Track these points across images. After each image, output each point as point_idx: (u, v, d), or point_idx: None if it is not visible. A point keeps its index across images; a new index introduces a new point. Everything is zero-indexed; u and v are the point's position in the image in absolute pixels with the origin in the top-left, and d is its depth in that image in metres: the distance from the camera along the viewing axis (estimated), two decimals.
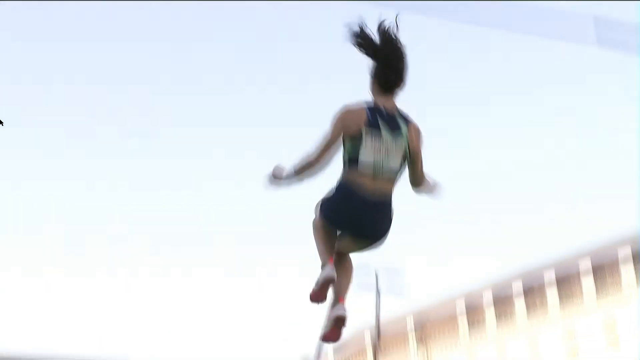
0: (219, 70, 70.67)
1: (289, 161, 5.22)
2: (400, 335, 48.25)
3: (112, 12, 72.89)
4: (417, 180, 5.32)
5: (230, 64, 71.51)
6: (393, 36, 5.15)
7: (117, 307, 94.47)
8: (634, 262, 39.19)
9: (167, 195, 77.38)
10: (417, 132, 5.20)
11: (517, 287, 44.68)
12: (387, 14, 5.14)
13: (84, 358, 60.72)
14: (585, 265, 41.33)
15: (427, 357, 49.65)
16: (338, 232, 5.25)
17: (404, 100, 5.24)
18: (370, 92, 5.20)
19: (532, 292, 43.90)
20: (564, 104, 69.87)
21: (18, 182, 73.79)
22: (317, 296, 5.11)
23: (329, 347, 57.42)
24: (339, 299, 5.20)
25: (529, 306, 44.04)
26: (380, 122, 5.05)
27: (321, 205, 5.22)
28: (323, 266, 5.12)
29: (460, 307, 47.12)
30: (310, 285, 5.14)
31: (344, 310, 5.16)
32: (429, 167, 5.30)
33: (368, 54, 5.17)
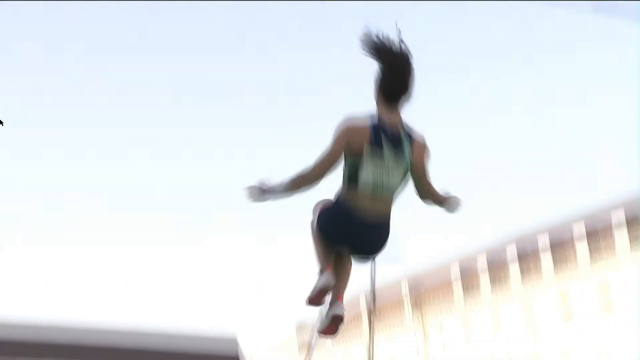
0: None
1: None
2: (395, 301, 48.49)
3: None
4: (425, 194, 5.27)
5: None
6: (404, 47, 5.05)
7: (123, 274, 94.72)
8: (627, 226, 39.27)
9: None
10: (422, 147, 5.12)
11: (512, 252, 44.81)
12: (391, 26, 5.03)
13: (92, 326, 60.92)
14: (579, 229, 41.42)
15: (422, 322, 49.90)
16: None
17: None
18: (375, 102, 5.08)
19: (526, 257, 44.04)
20: (559, 71, 69.75)
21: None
22: (314, 301, 5.17)
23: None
24: (337, 297, 5.27)
25: (523, 271, 44.19)
26: (384, 141, 4.96)
27: (319, 216, 5.17)
28: (321, 272, 5.16)
29: (455, 272, 47.29)
30: (308, 285, 5.15)
31: (342, 310, 5.23)
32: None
33: (380, 60, 5.05)
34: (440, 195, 5.35)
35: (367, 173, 4.93)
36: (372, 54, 5.05)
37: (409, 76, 5.02)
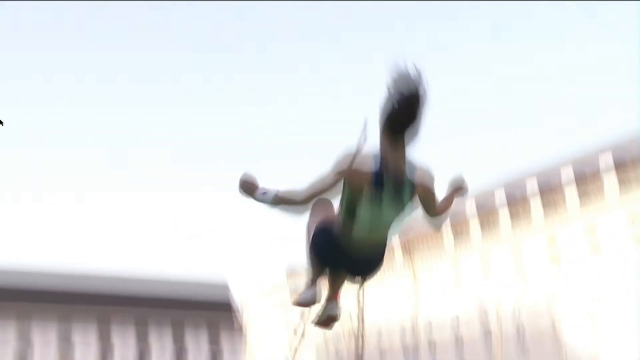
0: None
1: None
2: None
3: None
4: (434, 216, 5.21)
5: None
6: (423, 82, 4.87)
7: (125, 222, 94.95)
8: (616, 170, 39.31)
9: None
10: (426, 183, 5.03)
11: (501, 197, 44.96)
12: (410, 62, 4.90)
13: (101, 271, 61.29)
14: (568, 174, 41.50)
15: (412, 268, 50.23)
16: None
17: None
18: (380, 134, 4.94)
19: (515, 202, 44.18)
20: (546, 17, 69.36)
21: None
22: (300, 305, 5.26)
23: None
24: (334, 295, 5.36)
25: (512, 216, 44.36)
26: (385, 187, 4.90)
27: (314, 237, 5.12)
28: (310, 282, 5.22)
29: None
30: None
31: (337, 310, 5.36)
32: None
33: (399, 90, 4.87)
34: (448, 201, 5.28)
35: (365, 212, 4.90)
36: (394, 83, 4.86)
37: (421, 111, 4.88)
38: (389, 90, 4.87)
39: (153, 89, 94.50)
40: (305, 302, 5.18)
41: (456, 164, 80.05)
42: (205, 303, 64.43)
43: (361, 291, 27.46)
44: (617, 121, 79.01)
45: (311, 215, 5.26)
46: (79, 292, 60.72)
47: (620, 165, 39.02)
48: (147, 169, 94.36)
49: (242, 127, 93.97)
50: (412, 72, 4.87)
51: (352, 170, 4.89)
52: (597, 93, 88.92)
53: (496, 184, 45.54)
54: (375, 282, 47.35)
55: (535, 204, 42.98)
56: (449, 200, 5.29)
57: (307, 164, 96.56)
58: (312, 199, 4.98)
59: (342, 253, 5.03)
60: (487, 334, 44.66)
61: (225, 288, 67.32)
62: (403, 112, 4.85)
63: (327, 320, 5.36)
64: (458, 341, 46.17)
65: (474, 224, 46.00)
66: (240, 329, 65.13)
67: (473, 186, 45.51)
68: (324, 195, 4.96)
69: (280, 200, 5.00)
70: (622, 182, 39.04)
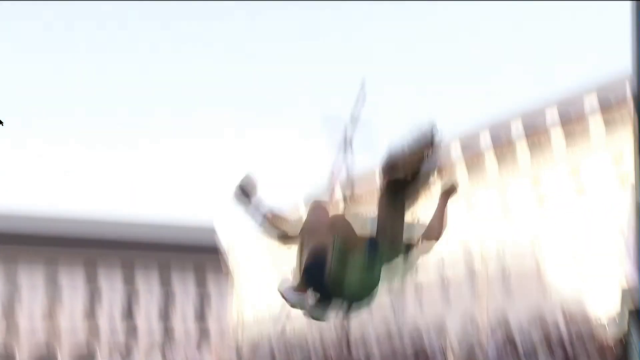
0: None
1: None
2: (371, 191, 48.49)
3: None
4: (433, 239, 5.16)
5: None
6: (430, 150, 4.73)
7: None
8: (601, 111, 39.31)
9: None
10: (422, 248, 4.93)
11: (486, 138, 44.93)
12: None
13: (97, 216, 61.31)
14: (553, 115, 41.47)
15: None
16: None
17: None
18: (379, 196, 4.79)
19: (501, 143, 44.18)
20: None
21: None
22: (284, 300, 5.10)
23: (300, 201, 58.07)
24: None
25: (498, 157, 44.38)
26: (379, 253, 4.79)
27: (307, 269, 4.88)
28: (299, 288, 4.97)
29: None
30: None
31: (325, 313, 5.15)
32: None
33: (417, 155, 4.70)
34: (440, 217, 5.13)
35: (356, 273, 4.77)
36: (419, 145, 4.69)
37: (425, 174, 4.73)
38: (391, 148, 4.66)
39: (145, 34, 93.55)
40: (291, 303, 5.00)
41: (442, 108, 79.91)
42: (193, 246, 64.64)
43: None
44: (602, 61, 78.75)
45: (307, 223, 5.00)
46: (66, 236, 60.78)
47: (606, 106, 39.00)
48: (135, 111, 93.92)
49: (236, 72, 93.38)
50: (424, 134, 4.65)
51: (345, 235, 4.74)
52: (582, 33, 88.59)
53: (481, 126, 45.45)
54: None
55: (521, 145, 43.01)
56: (441, 212, 5.15)
57: (298, 113, 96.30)
58: (299, 235, 4.84)
59: (332, 292, 4.85)
60: (472, 274, 44.99)
61: (212, 231, 67.50)
62: (407, 172, 4.64)
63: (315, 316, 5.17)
64: (444, 282, 46.50)
65: (460, 166, 46.01)
66: (228, 272, 65.47)
67: (458, 128, 45.53)
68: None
69: (270, 221, 4.93)
70: (608, 122, 39.06)
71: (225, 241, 67.10)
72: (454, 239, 45.77)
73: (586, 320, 13.94)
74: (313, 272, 4.84)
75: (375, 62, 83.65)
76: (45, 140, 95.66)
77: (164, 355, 59.96)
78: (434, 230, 5.12)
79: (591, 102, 39.76)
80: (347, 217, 4.88)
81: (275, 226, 4.99)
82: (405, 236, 4.83)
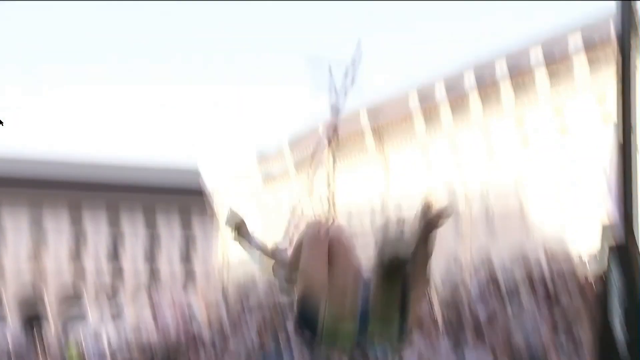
0: None
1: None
2: (355, 132, 48.50)
3: None
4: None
5: None
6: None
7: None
8: (585, 50, 39.23)
9: None
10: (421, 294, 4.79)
11: (470, 79, 44.83)
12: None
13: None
14: (537, 55, 41.36)
15: (383, 152, 50.40)
16: None
17: None
18: (373, 273, 4.62)
19: (485, 84, 44.08)
20: None
21: None
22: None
23: (284, 144, 57.91)
24: None
25: (482, 98, 44.32)
26: (369, 330, 4.63)
27: (301, 301, 4.74)
28: (286, 282, 5.05)
29: (414, 101, 47.35)
30: None
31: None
32: None
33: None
34: (424, 254, 4.84)
35: (347, 339, 4.65)
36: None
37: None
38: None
39: None
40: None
41: (426, 49, 79.62)
42: (177, 189, 64.63)
43: (332, 175, 27.44)
44: (586, 1, 78.35)
45: (301, 282, 4.81)
46: (50, 178, 60.63)
47: (590, 46, 38.91)
48: (121, 55, 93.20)
49: (222, 19, 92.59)
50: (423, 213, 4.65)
51: (344, 275, 4.60)
52: None
53: (465, 67, 45.30)
54: (345, 167, 47.62)
55: (505, 85, 42.95)
56: (424, 248, 4.75)
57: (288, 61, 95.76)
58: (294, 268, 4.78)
59: (325, 342, 4.72)
60: (455, 215, 45.21)
61: (196, 173, 67.47)
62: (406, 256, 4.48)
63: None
64: None
65: (444, 107, 45.96)
66: (213, 214, 65.60)
67: (442, 69, 45.41)
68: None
69: (265, 251, 4.98)
70: (592, 62, 39.01)
71: (210, 183, 67.15)
72: (437, 180, 45.96)
73: (568, 258, 14.08)
74: (306, 319, 4.73)
75: (358, 2, 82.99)
76: (30, 82, 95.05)
77: (150, 297, 60.24)
78: (415, 317, 4.75)
79: (575, 41, 39.64)
80: (344, 273, 4.67)
81: (269, 255, 5.02)
82: (398, 319, 4.61)
